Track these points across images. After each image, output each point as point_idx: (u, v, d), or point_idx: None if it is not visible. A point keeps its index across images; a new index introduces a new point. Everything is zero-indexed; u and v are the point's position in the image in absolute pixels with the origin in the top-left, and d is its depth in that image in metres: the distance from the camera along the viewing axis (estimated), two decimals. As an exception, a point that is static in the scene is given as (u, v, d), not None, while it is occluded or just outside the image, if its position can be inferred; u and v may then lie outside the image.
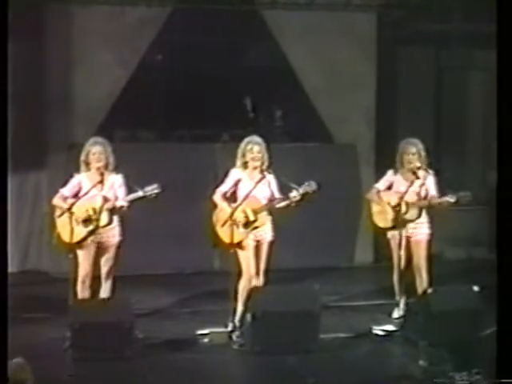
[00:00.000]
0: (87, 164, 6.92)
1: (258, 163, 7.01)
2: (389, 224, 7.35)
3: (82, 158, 6.94)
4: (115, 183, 6.93)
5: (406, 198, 7.26)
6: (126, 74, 9.46)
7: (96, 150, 6.87)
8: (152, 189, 6.76)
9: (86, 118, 9.38)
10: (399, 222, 7.25)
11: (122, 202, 6.86)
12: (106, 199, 6.85)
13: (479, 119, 10.83)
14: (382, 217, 7.39)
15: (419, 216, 7.32)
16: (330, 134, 10.10)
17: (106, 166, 6.91)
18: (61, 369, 6.21)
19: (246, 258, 6.97)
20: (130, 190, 6.91)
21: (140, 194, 6.78)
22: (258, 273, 7.03)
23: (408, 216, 7.28)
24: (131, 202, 6.85)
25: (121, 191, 6.93)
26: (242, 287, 6.99)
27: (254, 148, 7.02)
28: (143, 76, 9.57)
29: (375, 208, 7.48)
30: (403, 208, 7.24)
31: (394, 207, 7.29)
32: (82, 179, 6.93)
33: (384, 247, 7.73)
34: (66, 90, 9.35)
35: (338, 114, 9.98)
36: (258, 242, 7.02)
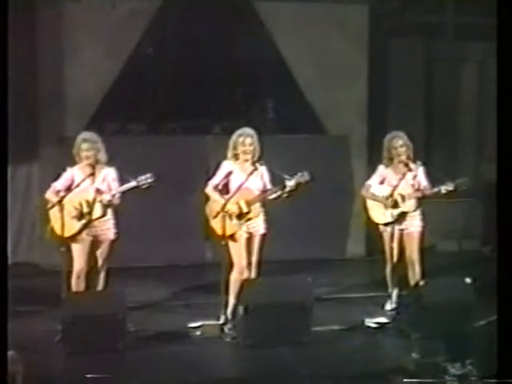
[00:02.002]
0: (79, 157, 6.93)
1: (249, 156, 7.03)
2: (387, 219, 7.36)
3: (74, 151, 6.95)
4: (108, 176, 6.94)
5: (399, 190, 7.29)
6: (117, 67, 9.40)
7: (84, 147, 6.87)
8: (145, 178, 6.76)
9: (76, 111, 9.35)
10: (397, 216, 7.26)
11: (116, 193, 6.85)
12: (98, 191, 6.85)
13: (472, 111, 10.85)
14: (379, 212, 7.41)
15: (416, 208, 7.34)
16: (322, 126, 10.09)
17: (97, 161, 6.90)
18: (52, 362, 6.22)
19: (238, 250, 6.99)
20: (123, 183, 6.91)
21: (133, 183, 6.79)
22: (249, 265, 7.05)
23: (405, 208, 7.30)
24: (124, 192, 6.85)
25: (114, 184, 6.93)
26: (234, 280, 7.02)
27: (245, 140, 7.02)
28: (134, 68, 9.54)
29: (370, 205, 7.49)
30: (399, 201, 7.27)
31: (388, 201, 7.30)
32: (75, 172, 6.94)
33: (376, 240, 7.74)
34: (57, 83, 9.30)
35: (330, 105, 9.96)
36: (250, 234, 7.04)
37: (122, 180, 6.91)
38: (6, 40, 5.07)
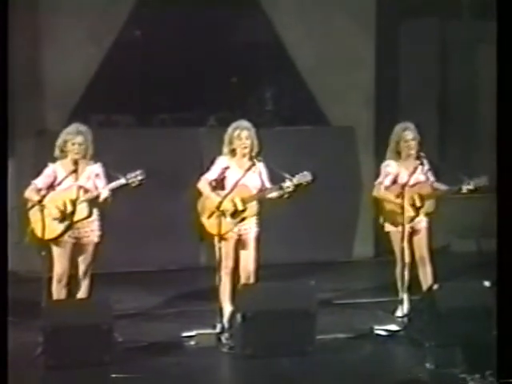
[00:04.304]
0: (63, 151, 6.87)
1: (246, 150, 7.05)
2: (406, 221, 7.31)
3: (59, 143, 6.88)
4: (94, 173, 6.91)
5: (418, 190, 7.25)
6: (101, 52, 9.41)
7: (77, 141, 6.82)
8: (135, 175, 6.76)
9: (56, 102, 9.34)
10: (415, 217, 7.26)
11: (103, 191, 6.83)
12: (83, 190, 6.82)
13: (490, 99, 10.80)
14: (397, 216, 7.33)
15: (435, 207, 7.33)
16: (326, 117, 10.10)
17: (84, 156, 6.88)
18: (32, 377, 6.18)
19: (226, 249, 7.02)
20: (109, 180, 6.87)
21: (122, 181, 6.77)
22: (244, 269, 7.06)
23: (424, 209, 7.29)
24: (112, 190, 6.83)
25: (100, 182, 6.90)
26: (222, 283, 7.04)
27: (241, 134, 7.03)
28: (120, 54, 9.53)
29: (387, 207, 7.40)
30: (417, 202, 7.25)
31: (404, 201, 7.24)
32: (57, 168, 6.90)
33: (386, 240, 7.74)
34: (34, 70, 9.28)
35: (334, 94, 9.97)
36: (240, 236, 7.06)
37: (109, 177, 6.87)
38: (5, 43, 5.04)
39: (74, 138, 6.82)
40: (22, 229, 7.06)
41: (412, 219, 7.31)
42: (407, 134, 7.36)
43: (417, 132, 7.38)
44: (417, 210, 7.29)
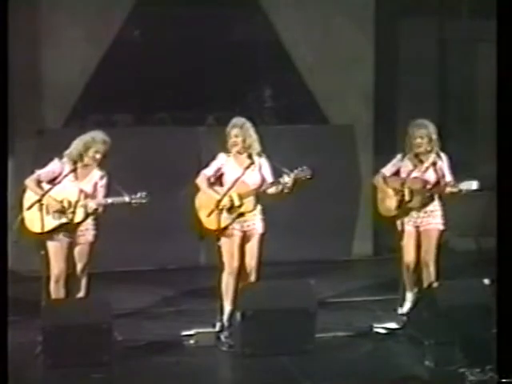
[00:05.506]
0: (80, 155, 6.85)
1: (237, 148, 7.03)
2: (391, 213, 7.36)
3: (79, 147, 6.82)
4: (98, 181, 6.90)
5: (410, 184, 7.28)
6: (100, 52, 9.40)
7: (100, 150, 6.81)
8: (140, 197, 6.79)
9: (55, 101, 9.31)
10: (401, 211, 7.27)
11: (104, 203, 6.84)
12: (84, 194, 6.83)
13: (490, 97, 10.81)
14: (385, 205, 7.43)
15: (423, 205, 7.32)
16: (325, 115, 10.09)
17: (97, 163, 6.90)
18: (31, 377, 6.21)
19: (230, 249, 7.02)
20: (112, 191, 6.86)
21: (126, 199, 6.78)
22: (245, 268, 7.06)
23: (411, 204, 7.30)
24: (113, 205, 6.83)
25: (103, 191, 6.91)
26: (225, 282, 7.05)
27: (231, 132, 7.05)
28: (119, 53, 9.52)
29: (380, 195, 7.51)
30: (407, 195, 7.27)
31: (396, 194, 7.32)
32: (65, 165, 6.87)
33: (384, 238, 7.75)
34: (33, 69, 9.25)
35: (333, 92, 9.96)
36: (244, 232, 7.05)
37: (113, 188, 6.84)
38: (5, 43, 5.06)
39: (99, 147, 6.82)
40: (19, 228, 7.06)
41: (401, 212, 7.29)
42: (417, 131, 7.31)
43: (431, 130, 7.31)
44: (403, 202, 7.30)
